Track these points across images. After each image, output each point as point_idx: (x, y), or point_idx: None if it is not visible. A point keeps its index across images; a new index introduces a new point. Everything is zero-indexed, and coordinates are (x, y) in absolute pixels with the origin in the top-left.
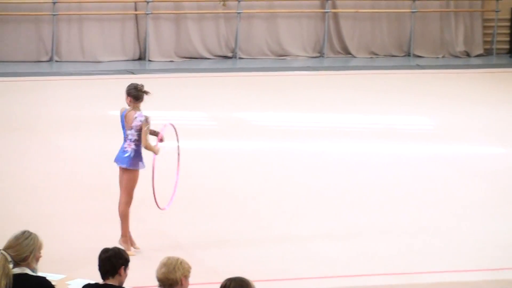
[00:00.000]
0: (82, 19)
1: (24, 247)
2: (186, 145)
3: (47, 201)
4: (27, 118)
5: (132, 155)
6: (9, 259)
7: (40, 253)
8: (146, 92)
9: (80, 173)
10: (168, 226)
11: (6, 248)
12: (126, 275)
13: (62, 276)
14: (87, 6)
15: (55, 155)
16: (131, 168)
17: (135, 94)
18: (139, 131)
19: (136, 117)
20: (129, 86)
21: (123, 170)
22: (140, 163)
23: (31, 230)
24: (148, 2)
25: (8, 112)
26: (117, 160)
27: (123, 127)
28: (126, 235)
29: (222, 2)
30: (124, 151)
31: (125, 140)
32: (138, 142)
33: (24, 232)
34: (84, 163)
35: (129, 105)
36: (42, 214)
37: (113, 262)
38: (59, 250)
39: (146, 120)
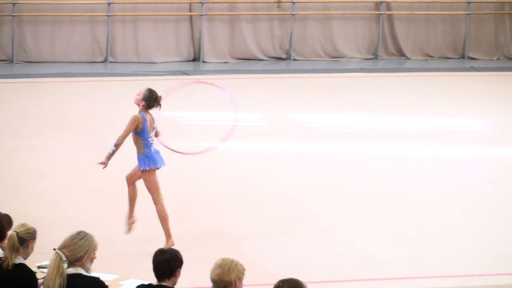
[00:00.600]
0: (137, 20)
1: (79, 247)
2: (239, 146)
3: (99, 202)
4: (81, 118)
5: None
6: (64, 258)
7: (94, 254)
8: (159, 105)
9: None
10: (222, 226)
11: (61, 248)
12: (179, 276)
13: (116, 276)
14: (142, 7)
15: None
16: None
17: (150, 104)
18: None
19: (154, 118)
20: (150, 91)
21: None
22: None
23: (85, 230)
24: (202, 3)
25: (62, 112)
26: (163, 161)
27: (146, 131)
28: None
29: (276, 4)
30: (158, 151)
31: (151, 144)
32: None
33: (79, 232)
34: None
35: (138, 105)
36: (95, 214)
37: (170, 264)
38: (113, 250)
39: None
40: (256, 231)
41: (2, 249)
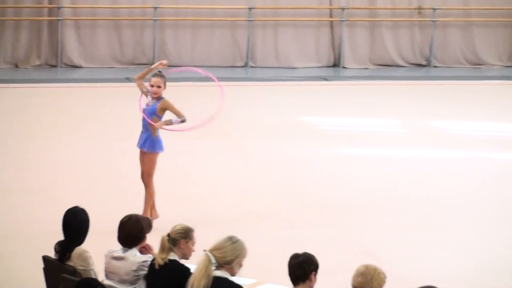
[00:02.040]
0: (277, 25)
1: (231, 251)
2: (377, 152)
3: (238, 205)
4: (221, 123)
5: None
6: (213, 261)
7: (243, 261)
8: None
9: (271, 178)
10: (359, 233)
11: (212, 250)
12: (315, 281)
13: (253, 280)
14: (282, 12)
15: (247, 160)
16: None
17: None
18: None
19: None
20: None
21: None
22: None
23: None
24: (343, 9)
25: (199, 115)
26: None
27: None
28: None
29: (417, 10)
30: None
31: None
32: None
33: (231, 237)
34: (275, 168)
35: (156, 93)
36: (234, 217)
37: (304, 268)
38: (250, 254)
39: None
40: (394, 238)
41: (142, 253)
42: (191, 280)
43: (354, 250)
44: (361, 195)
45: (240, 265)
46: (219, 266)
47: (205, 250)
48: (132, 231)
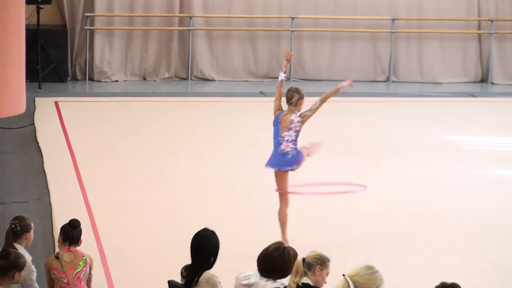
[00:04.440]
0: (421, 37)
1: (373, 280)
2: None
3: (376, 228)
4: (361, 141)
5: (295, 153)
6: (352, 286)
7: None
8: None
9: (411, 200)
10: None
11: (352, 275)
12: None
13: None
14: (427, 24)
15: (387, 181)
16: (300, 164)
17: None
18: (298, 131)
19: (292, 120)
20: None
21: (286, 173)
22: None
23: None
24: (492, 21)
25: (340, 132)
26: (280, 165)
27: (276, 127)
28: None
29: None
30: (285, 153)
31: (279, 144)
32: (295, 142)
33: (372, 266)
34: (418, 190)
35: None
36: (373, 241)
37: None
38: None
39: (301, 114)
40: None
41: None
42: None
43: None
44: (509, 220)
45: None
46: None
47: (344, 275)
48: (281, 265)
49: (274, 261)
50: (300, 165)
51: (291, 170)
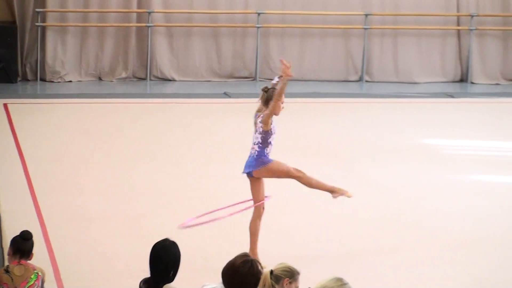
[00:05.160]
0: (397, 34)
1: None
2: (504, 180)
3: (348, 238)
4: (331, 144)
5: (255, 155)
6: None
7: None
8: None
9: (386, 208)
10: (483, 271)
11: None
12: None
13: None
14: (403, 20)
15: (360, 187)
16: (261, 167)
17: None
18: (262, 134)
19: (257, 121)
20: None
21: (254, 179)
22: (265, 157)
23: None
24: (472, 16)
25: (309, 135)
26: (246, 167)
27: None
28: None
29: None
30: (250, 155)
31: (252, 146)
32: (261, 145)
33: (341, 279)
34: (392, 197)
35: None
36: (343, 252)
37: None
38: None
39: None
40: None
41: None
42: None
43: None
44: (489, 229)
45: None
46: None
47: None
48: (249, 279)
49: (242, 275)
50: (261, 170)
51: (249, 173)
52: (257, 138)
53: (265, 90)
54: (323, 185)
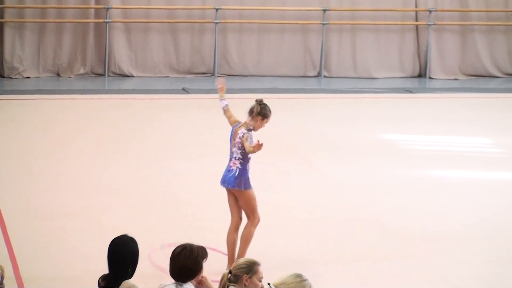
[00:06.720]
0: (355, 29)
1: None
2: (468, 175)
3: (309, 235)
4: (289, 138)
5: (237, 173)
6: None
7: None
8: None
9: (344, 205)
10: (443, 267)
11: (278, 284)
12: None
13: None
14: (361, 15)
15: (316, 181)
16: (238, 189)
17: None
18: (242, 149)
19: (239, 135)
20: (266, 106)
21: (231, 192)
22: (247, 179)
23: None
24: (430, 11)
25: (267, 131)
26: (223, 181)
27: (230, 144)
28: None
29: None
30: (230, 170)
31: (230, 159)
32: (242, 161)
33: (300, 275)
34: (351, 193)
35: (249, 122)
36: (303, 250)
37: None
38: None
39: (244, 134)
40: (491, 274)
41: (196, 287)
42: None
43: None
44: (449, 225)
45: None
46: None
47: (269, 284)
48: (186, 264)
49: (180, 261)
50: (236, 190)
51: (231, 189)
52: (236, 153)
53: (259, 103)
54: (242, 250)
